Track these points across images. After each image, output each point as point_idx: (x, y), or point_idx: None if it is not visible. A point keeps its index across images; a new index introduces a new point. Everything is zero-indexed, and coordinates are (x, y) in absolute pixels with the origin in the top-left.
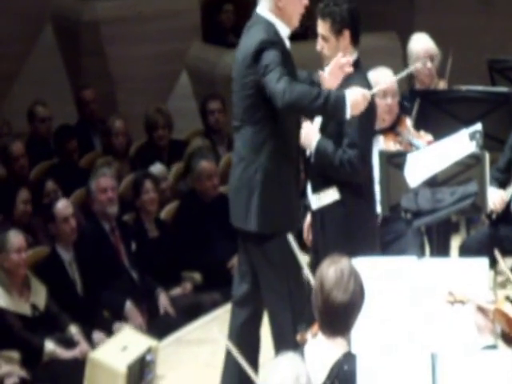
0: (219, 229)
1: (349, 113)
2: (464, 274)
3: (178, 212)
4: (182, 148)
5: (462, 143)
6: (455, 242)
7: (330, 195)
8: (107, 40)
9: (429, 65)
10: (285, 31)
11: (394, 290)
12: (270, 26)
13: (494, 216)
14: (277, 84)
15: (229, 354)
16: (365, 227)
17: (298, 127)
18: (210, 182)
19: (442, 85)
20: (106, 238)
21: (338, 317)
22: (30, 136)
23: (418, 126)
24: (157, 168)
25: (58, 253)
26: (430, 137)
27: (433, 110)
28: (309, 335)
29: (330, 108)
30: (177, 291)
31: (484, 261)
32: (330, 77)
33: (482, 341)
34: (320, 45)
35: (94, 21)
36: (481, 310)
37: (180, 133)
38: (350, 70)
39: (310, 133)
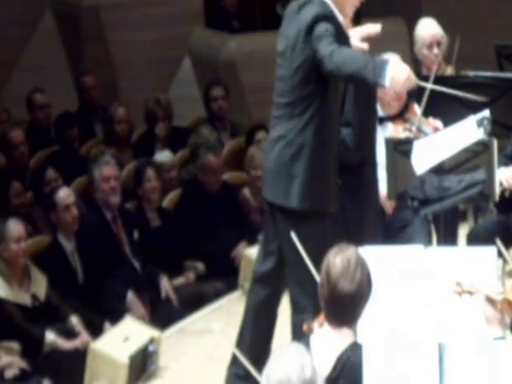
0: (222, 217)
1: (388, 82)
2: (472, 263)
3: (181, 201)
4: (184, 135)
5: (469, 130)
6: (463, 231)
7: None
8: (108, 25)
9: (435, 51)
10: (339, 17)
11: (401, 280)
12: (325, 5)
13: (507, 194)
14: (327, 48)
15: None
16: (363, 212)
17: (337, 102)
18: (214, 177)
19: (450, 70)
20: (107, 227)
21: (345, 307)
22: (29, 123)
23: (426, 112)
24: (164, 156)
25: (59, 242)
26: (438, 123)
27: (440, 96)
28: (315, 325)
29: (369, 71)
30: (179, 281)
31: (492, 249)
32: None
33: (491, 332)
34: None
35: (94, 6)
36: (489, 300)
37: (182, 119)
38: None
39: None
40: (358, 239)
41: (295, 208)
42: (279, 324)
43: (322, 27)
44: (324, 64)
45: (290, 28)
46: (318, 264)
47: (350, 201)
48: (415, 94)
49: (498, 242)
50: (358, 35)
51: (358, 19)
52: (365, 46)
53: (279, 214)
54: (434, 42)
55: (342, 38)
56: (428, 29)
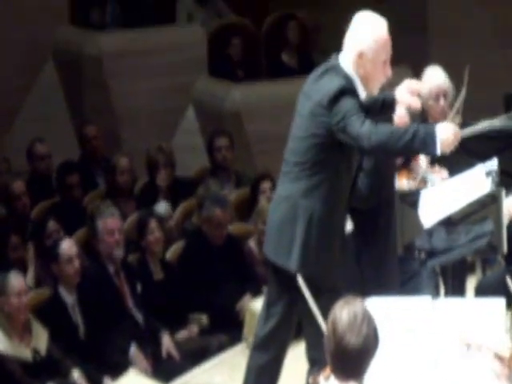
0: (226, 270)
1: (439, 148)
2: (480, 315)
3: (184, 253)
4: (187, 186)
5: (478, 181)
6: (471, 283)
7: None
8: (110, 74)
9: (442, 102)
10: (361, 92)
11: (408, 333)
12: (348, 80)
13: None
14: (361, 127)
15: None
16: (379, 259)
17: (350, 175)
18: (219, 230)
19: (457, 120)
20: (110, 280)
21: (351, 361)
22: (30, 174)
23: (433, 160)
24: (161, 207)
25: (60, 295)
26: (445, 172)
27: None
28: (321, 378)
29: (418, 143)
30: (183, 334)
31: (500, 301)
32: (401, 98)
33: None
34: None
35: (96, 54)
36: (497, 356)
37: (186, 169)
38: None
39: None
40: (374, 288)
41: (294, 271)
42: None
43: (349, 102)
44: (362, 144)
45: (312, 91)
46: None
47: (365, 247)
48: None
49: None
50: (406, 89)
51: None
52: (417, 101)
53: (283, 272)
54: (441, 93)
55: None
56: (435, 79)
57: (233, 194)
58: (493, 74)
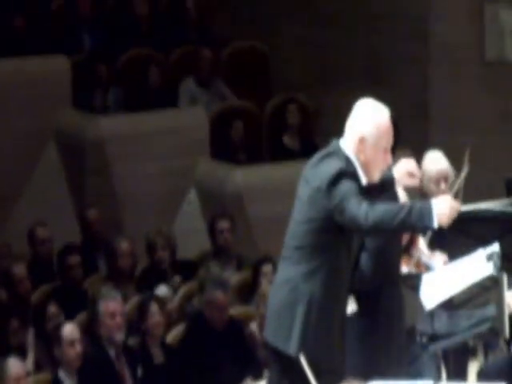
0: (227, 353)
1: (436, 222)
2: None
3: (185, 336)
4: (189, 268)
5: (478, 264)
6: (473, 367)
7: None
8: (112, 158)
9: (443, 186)
10: (362, 177)
11: None
12: (349, 163)
13: None
14: (358, 208)
15: None
16: (383, 344)
17: (350, 258)
18: (220, 314)
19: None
20: (110, 364)
21: None
22: (31, 258)
23: (434, 244)
24: (162, 290)
25: (60, 379)
26: (444, 257)
27: (449, 228)
28: None
29: (414, 218)
30: None
31: None
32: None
33: None
34: None
35: (98, 138)
36: None
37: (188, 252)
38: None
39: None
40: (378, 370)
41: (293, 355)
42: None
43: (347, 185)
44: (359, 225)
45: (311, 175)
46: None
47: (368, 331)
48: None
49: None
50: (405, 171)
51: None
52: (415, 181)
53: (282, 356)
54: (441, 177)
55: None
56: (435, 164)
57: (234, 277)
58: (494, 158)
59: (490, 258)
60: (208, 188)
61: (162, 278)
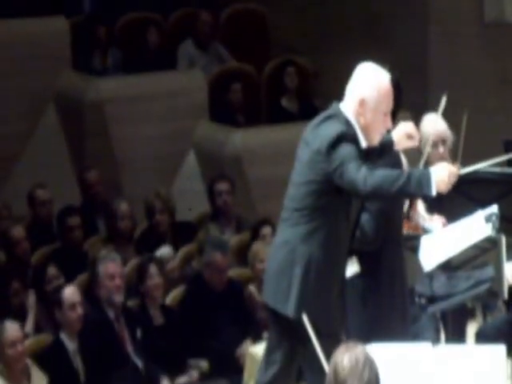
0: (227, 315)
1: (434, 190)
2: (480, 362)
3: (185, 298)
4: (188, 230)
5: (477, 226)
6: (471, 329)
7: (349, 268)
8: (111, 120)
9: (441, 149)
10: (362, 141)
11: (408, 379)
12: (350, 126)
13: None
14: (358, 173)
15: None
16: (387, 303)
17: (349, 220)
18: (219, 275)
19: (456, 167)
20: (110, 326)
21: None
22: (30, 220)
23: (433, 207)
24: (163, 251)
25: (62, 342)
26: (443, 220)
27: (448, 191)
28: None
29: (413, 185)
30: (183, 379)
31: (501, 348)
32: (398, 141)
33: None
34: None
35: (97, 100)
36: None
37: (187, 214)
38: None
39: None
40: (382, 333)
41: (292, 317)
42: None
43: (347, 149)
44: (358, 189)
45: (311, 137)
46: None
47: (370, 289)
48: None
49: None
50: (404, 133)
51: None
52: (414, 143)
53: (282, 318)
54: (439, 140)
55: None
56: (432, 126)
57: (233, 239)
58: (492, 120)
59: (488, 219)
60: (207, 150)
61: (161, 241)
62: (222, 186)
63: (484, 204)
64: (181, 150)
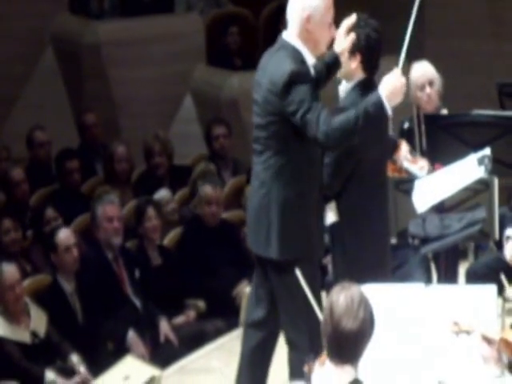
0: (224, 255)
1: (390, 109)
2: (471, 302)
3: (182, 239)
4: (185, 173)
5: (470, 168)
6: (463, 269)
7: (329, 217)
8: (109, 62)
9: (428, 90)
10: (310, 59)
11: (400, 318)
12: (296, 53)
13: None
14: (318, 125)
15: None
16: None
17: (318, 156)
18: (212, 208)
19: (446, 111)
20: (108, 266)
21: (348, 344)
22: (29, 161)
23: (427, 150)
24: (161, 194)
25: (59, 283)
26: (426, 162)
27: (441, 134)
28: (317, 364)
29: (373, 118)
30: (180, 319)
31: (492, 288)
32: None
33: (488, 371)
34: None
35: (95, 43)
36: (486, 340)
37: (184, 158)
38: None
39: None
40: (361, 272)
41: (276, 259)
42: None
43: (302, 90)
44: (323, 146)
45: (261, 77)
46: (313, 310)
47: (348, 230)
48: (407, 133)
49: (502, 276)
50: (343, 33)
51: None
52: (351, 36)
53: (264, 261)
54: (426, 81)
55: (315, 91)
56: (419, 70)
57: (230, 182)
58: (488, 64)
59: (481, 161)
60: (204, 94)
61: (160, 183)
62: (219, 130)
63: (477, 147)
64: (178, 93)
